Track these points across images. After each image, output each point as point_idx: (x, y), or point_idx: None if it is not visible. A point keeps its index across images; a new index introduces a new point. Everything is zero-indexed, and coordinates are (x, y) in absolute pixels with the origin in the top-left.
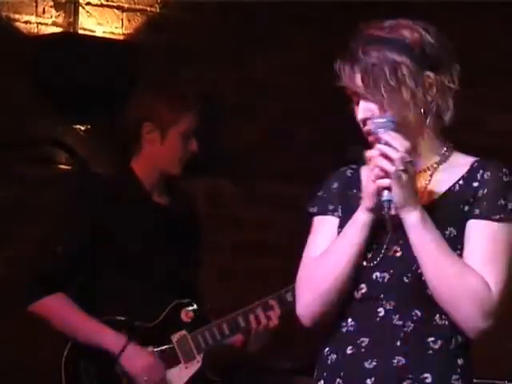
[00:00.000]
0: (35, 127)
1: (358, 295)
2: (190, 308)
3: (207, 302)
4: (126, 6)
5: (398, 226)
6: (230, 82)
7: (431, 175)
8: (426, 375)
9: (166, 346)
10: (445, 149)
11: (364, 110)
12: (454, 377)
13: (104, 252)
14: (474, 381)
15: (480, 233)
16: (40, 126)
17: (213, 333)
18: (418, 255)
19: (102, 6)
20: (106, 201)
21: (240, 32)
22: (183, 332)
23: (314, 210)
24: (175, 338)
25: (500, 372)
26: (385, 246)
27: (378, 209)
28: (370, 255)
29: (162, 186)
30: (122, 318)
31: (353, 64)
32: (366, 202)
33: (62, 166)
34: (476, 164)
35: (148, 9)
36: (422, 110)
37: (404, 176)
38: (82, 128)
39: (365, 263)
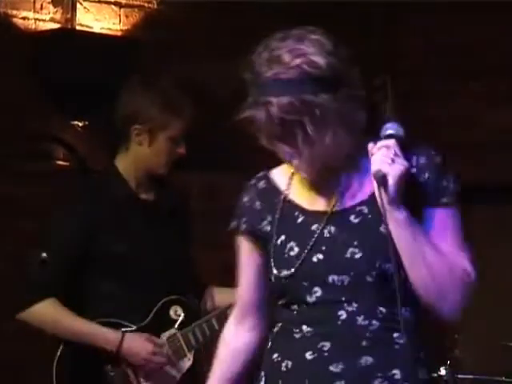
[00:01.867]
0: (33, 123)
1: (311, 299)
2: (179, 305)
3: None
4: (123, 2)
5: (350, 228)
6: (228, 78)
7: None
8: (394, 371)
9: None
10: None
11: (286, 154)
12: (420, 370)
13: (90, 252)
14: (474, 377)
15: (441, 221)
16: (38, 123)
17: (203, 329)
18: (405, 249)
19: (99, 2)
20: (92, 200)
21: (237, 28)
22: (173, 330)
23: (233, 227)
24: (165, 336)
25: (498, 368)
26: (339, 249)
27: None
28: (321, 256)
29: (150, 183)
30: (112, 320)
31: (267, 115)
32: None
33: (61, 163)
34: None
35: (145, 5)
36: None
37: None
38: (80, 124)
39: (316, 267)
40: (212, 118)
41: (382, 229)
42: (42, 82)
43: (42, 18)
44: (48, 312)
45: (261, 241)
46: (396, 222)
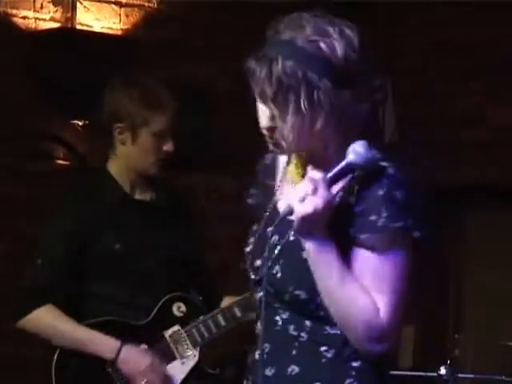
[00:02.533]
0: (33, 123)
1: (258, 297)
2: (182, 302)
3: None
4: (123, 1)
5: (286, 244)
6: (228, 77)
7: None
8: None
9: (160, 343)
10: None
11: (269, 118)
12: (348, 380)
13: (89, 254)
14: (473, 376)
15: (360, 260)
16: (38, 123)
17: (208, 326)
18: (316, 278)
19: (99, 1)
20: (85, 202)
21: (237, 28)
22: (176, 327)
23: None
24: (168, 333)
25: (498, 368)
26: (271, 263)
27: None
28: (258, 262)
29: (145, 184)
30: (114, 319)
31: (268, 71)
32: None
33: (61, 162)
34: (356, 173)
35: (146, 4)
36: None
37: (322, 204)
38: (80, 124)
39: (252, 276)
40: (212, 117)
41: (303, 253)
42: (42, 82)
43: (42, 18)
44: (45, 319)
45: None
46: (306, 251)
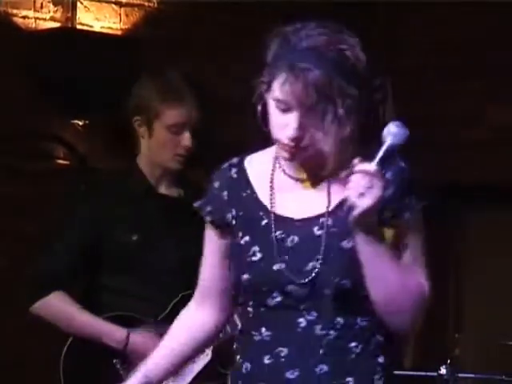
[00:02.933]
0: (34, 122)
1: (271, 303)
2: None
3: None
4: (123, 1)
5: (313, 239)
6: (229, 77)
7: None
8: (348, 379)
9: None
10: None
11: (297, 127)
12: (376, 376)
13: (106, 244)
14: (473, 375)
15: (400, 235)
16: (38, 122)
17: None
18: (365, 267)
19: (99, 1)
20: (108, 196)
21: (237, 28)
22: None
23: (208, 218)
24: None
25: (498, 367)
26: (300, 261)
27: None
28: (276, 267)
29: (171, 179)
30: (128, 314)
31: (306, 85)
32: None
33: (61, 162)
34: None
35: (146, 4)
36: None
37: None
38: (81, 123)
39: (276, 276)
40: (212, 117)
41: (343, 243)
42: (42, 82)
43: (43, 17)
44: (57, 305)
45: (226, 232)
46: (358, 242)
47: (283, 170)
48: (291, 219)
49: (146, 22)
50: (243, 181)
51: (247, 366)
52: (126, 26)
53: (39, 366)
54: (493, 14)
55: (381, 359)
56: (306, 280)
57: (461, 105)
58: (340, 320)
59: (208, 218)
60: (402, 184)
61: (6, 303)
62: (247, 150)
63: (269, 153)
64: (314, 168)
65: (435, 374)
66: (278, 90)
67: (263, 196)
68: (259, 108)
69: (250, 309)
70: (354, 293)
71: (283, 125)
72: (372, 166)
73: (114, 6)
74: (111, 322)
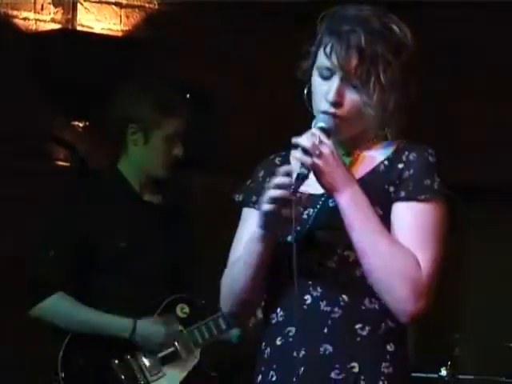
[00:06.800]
0: (33, 123)
1: (284, 279)
2: (186, 303)
3: (208, 297)
4: (124, 2)
5: (327, 211)
6: (229, 78)
7: (357, 157)
8: (353, 364)
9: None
10: (374, 137)
11: (336, 92)
12: (384, 364)
13: (96, 252)
14: (473, 377)
15: (407, 214)
16: (38, 123)
17: (209, 328)
18: (351, 235)
19: (100, 2)
20: (97, 201)
21: (237, 28)
22: (179, 328)
23: (240, 198)
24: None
25: (498, 368)
26: (310, 232)
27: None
28: (290, 238)
29: (155, 186)
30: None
31: (349, 46)
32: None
33: (61, 163)
34: (401, 145)
35: (146, 5)
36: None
37: (320, 162)
38: (81, 124)
39: (288, 248)
40: (212, 117)
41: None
42: (43, 83)
43: (43, 19)
44: (60, 305)
45: None
46: (340, 209)
47: None
48: (313, 195)
49: (147, 23)
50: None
51: (268, 350)
52: (127, 28)
53: (39, 365)
54: (493, 14)
55: (391, 347)
56: (314, 250)
57: (461, 105)
58: (345, 297)
59: (251, 207)
60: (422, 166)
61: (6, 303)
62: (247, 150)
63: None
64: (350, 144)
65: (436, 375)
66: (323, 54)
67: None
68: (306, 90)
69: (269, 289)
70: (359, 268)
71: (325, 93)
72: (315, 130)
73: (114, 7)
74: None
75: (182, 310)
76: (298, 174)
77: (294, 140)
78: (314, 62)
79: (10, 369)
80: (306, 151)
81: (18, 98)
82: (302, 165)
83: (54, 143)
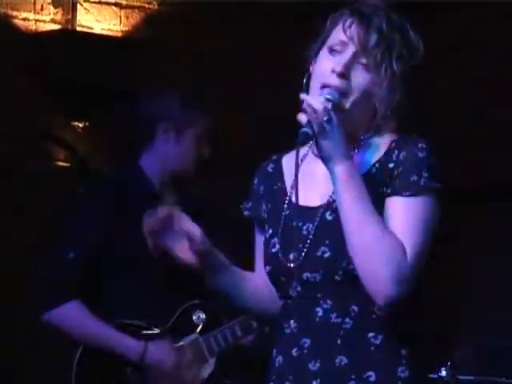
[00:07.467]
0: (34, 123)
1: (293, 293)
2: (202, 310)
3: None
4: (123, 2)
5: (325, 225)
6: (229, 78)
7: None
8: (369, 373)
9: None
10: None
11: (349, 66)
12: (400, 369)
13: (113, 254)
14: (474, 378)
15: (393, 209)
16: (38, 123)
17: (225, 335)
18: (340, 209)
19: (100, 3)
20: (116, 202)
21: (237, 28)
22: (195, 335)
23: (248, 215)
24: (187, 341)
25: (499, 369)
26: (307, 246)
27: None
28: (292, 256)
29: (174, 185)
30: (134, 322)
31: (370, 25)
32: None
33: (61, 163)
34: (393, 144)
35: (146, 6)
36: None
37: (327, 127)
38: (81, 125)
39: (291, 264)
40: (212, 117)
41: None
42: (43, 84)
43: (43, 19)
44: (75, 315)
45: (263, 227)
46: (333, 179)
47: (313, 151)
48: (309, 207)
49: (147, 23)
50: (278, 174)
51: (280, 359)
52: (127, 28)
53: (38, 368)
54: (493, 14)
55: (404, 351)
56: (318, 266)
57: (461, 105)
58: (355, 308)
59: (247, 214)
60: (411, 163)
61: (6, 303)
62: (247, 150)
63: (307, 147)
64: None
65: (436, 375)
66: (341, 30)
67: (291, 186)
68: (306, 76)
69: (280, 301)
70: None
71: (332, 69)
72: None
73: (114, 7)
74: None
75: (198, 316)
76: (302, 133)
77: (305, 97)
78: (323, 44)
79: (10, 369)
80: (315, 112)
81: (18, 97)
82: (309, 123)
83: (54, 143)
